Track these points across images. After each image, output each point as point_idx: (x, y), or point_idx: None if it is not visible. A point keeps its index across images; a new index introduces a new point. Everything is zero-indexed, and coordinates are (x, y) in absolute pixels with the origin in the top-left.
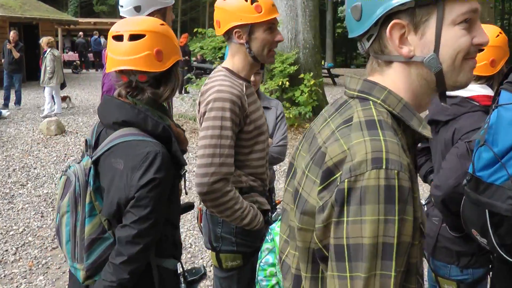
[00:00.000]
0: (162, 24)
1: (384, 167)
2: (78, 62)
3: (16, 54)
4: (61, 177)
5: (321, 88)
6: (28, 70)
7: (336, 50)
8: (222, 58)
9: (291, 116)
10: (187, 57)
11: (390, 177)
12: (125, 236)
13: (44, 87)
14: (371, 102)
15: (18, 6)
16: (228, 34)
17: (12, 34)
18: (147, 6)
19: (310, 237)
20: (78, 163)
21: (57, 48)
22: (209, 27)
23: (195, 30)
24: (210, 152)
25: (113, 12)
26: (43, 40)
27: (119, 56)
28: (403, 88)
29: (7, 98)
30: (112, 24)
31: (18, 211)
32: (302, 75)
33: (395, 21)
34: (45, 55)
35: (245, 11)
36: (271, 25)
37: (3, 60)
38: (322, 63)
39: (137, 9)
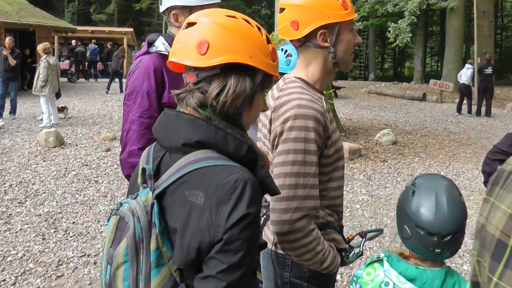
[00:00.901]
0: (231, 16)
1: None
2: (73, 70)
3: (12, 61)
4: (109, 217)
5: (331, 100)
6: (23, 78)
7: None
8: None
9: None
10: None
11: None
12: None
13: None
14: None
15: (14, 12)
16: (306, 37)
17: (8, 40)
18: (166, 0)
19: None
20: (134, 198)
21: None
22: None
23: None
24: (292, 183)
25: (111, 20)
26: (40, 47)
27: (173, 46)
28: None
29: (1, 107)
30: (110, 32)
31: (16, 232)
32: None
33: None
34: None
35: (333, 7)
36: (352, 25)
37: None
38: None
39: (160, 2)
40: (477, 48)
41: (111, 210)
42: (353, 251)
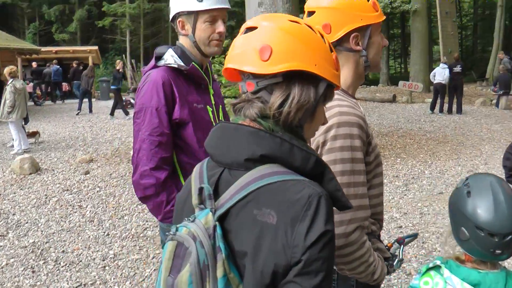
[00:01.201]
0: (294, 21)
1: None
2: (39, 93)
3: None
4: (165, 243)
5: None
6: None
7: None
8: None
9: None
10: None
11: None
12: None
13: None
14: None
15: None
16: (338, 41)
17: None
18: (173, 8)
19: None
20: (192, 221)
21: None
22: None
23: None
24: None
25: (74, 39)
26: (6, 70)
27: (229, 52)
28: None
29: None
30: (74, 52)
31: (2, 268)
32: None
33: None
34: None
35: (365, 10)
36: (380, 27)
37: None
38: None
39: (169, 11)
40: (442, 48)
41: (166, 235)
42: (396, 259)
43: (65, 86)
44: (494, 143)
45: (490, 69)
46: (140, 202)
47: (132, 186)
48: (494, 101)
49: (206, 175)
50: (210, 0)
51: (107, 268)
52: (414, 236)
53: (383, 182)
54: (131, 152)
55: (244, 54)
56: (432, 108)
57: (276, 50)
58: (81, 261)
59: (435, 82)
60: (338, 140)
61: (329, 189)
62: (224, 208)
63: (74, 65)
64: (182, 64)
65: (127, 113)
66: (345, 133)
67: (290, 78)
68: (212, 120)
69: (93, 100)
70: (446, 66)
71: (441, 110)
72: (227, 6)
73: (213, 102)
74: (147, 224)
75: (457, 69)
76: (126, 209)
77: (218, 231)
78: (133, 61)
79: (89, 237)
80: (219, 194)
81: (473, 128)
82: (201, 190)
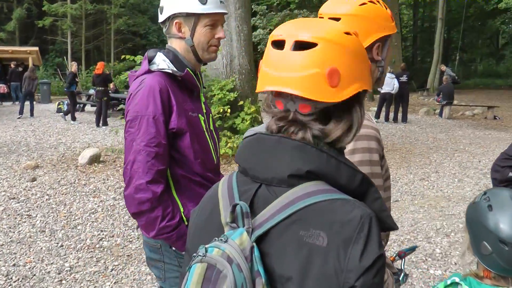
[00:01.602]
0: (349, 34)
1: None
2: None
3: None
4: (191, 266)
5: (259, 114)
6: None
7: None
8: None
9: (234, 146)
10: (105, 88)
11: None
12: None
13: None
14: None
15: None
16: None
17: None
18: (168, 8)
19: None
20: (225, 241)
21: None
22: (116, 55)
23: (123, 57)
24: None
25: (12, 39)
26: None
27: (274, 70)
28: None
29: None
30: (13, 52)
31: None
32: (241, 102)
33: None
34: None
35: (387, 19)
36: None
37: None
38: None
39: (160, 10)
40: None
41: (192, 256)
42: (402, 274)
43: (3, 87)
44: (441, 151)
45: (431, 79)
46: (93, 211)
47: (124, 200)
48: (438, 111)
49: (237, 190)
50: (213, 4)
51: (64, 282)
52: (413, 249)
53: (390, 197)
54: (78, 159)
55: (310, 80)
56: (377, 116)
57: (343, 74)
58: (35, 275)
59: (382, 91)
60: (356, 154)
61: (374, 209)
62: (264, 228)
63: (13, 65)
64: (175, 69)
65: (74, 119)
66: (363, 146)
67: (350, 100)
68: (205, 129)
69: (35, 103)
70: (394, 76)
71: (386, 119)
72: (227, 11)
73: (204, 111)
74: (103, 234)
75: (403, 78)
76: (79, 218)
77: (256, 253)
78: (74, 63)
79: (41, 248)
80: (255, 212)
81: (420, 137)
82: (233, 207)
